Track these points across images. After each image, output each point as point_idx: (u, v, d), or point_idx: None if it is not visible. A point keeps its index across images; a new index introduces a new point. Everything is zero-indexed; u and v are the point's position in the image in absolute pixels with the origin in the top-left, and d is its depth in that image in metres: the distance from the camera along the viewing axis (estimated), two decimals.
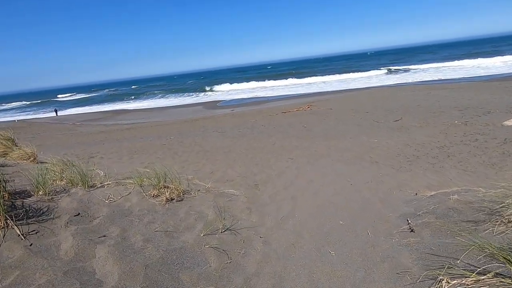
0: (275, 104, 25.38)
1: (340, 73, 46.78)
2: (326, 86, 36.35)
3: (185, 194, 4.06)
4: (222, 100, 35.55)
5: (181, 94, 47.56)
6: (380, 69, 46.97)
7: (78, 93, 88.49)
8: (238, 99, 34.79)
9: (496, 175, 5.36)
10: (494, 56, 42.52)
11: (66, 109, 45.03)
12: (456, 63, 41.98)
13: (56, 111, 38.84)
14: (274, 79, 47.66)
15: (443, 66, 41.00)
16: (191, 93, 46.41)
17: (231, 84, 49.30)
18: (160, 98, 46.80)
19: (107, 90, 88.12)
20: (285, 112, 17.31)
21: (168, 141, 10.85)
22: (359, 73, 44.75)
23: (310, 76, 48.09)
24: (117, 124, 25.42)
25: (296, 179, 5.62)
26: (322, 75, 46.86)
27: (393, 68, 46.88)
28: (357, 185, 5.11)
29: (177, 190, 3.91)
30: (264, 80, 48.37)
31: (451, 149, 7.09)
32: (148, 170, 4.29)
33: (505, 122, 8.84)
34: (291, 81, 44.58)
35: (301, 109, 17.83)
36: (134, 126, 20.37)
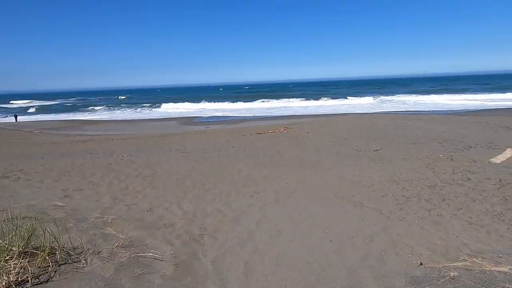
0: (251, 124, 24.13)
1: (316, 98, 46.95)
2: (303, 109, 35.87)
3: (65, 263, 2.41)
4: (198, 117, 33.91)
5: (154, 106, 45.35)
6: (357, 97, 47.76)
7: (42, 99, 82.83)
8: (215, 116, 33.31)
9: (509, 231, 4.15)
10: (460, 94, 44.64)
11: (36, 114, 41.27)
12: (425, 97, 43.48)
13: (16, 116, 35.21)
14: (252, 100, 46.91)
15: (417, 99, 42.22)
16: (167, 107, 44.36)
17: (208, 102, 47.89)
18: (133, 109, 44.26)
19: (76, 98, 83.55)
20: (260, 133, 15.99)
21: (117, 159, 9.01)
22: (336, 100, 45.10)
23: (289, 98, 47.91)
24: (80, 134, 22.91)
25: (258, 227, 4.09)
26: (300, 99, 46.72)
27: (369, 96, 47.81)
28: (338, 241, 3.67)
29: (44, 260, 2.26)
30: (241, 100, 47.50)
31: (444, 189, 5.92)
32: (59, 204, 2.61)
33: (491, 160, 7.98)
34: (269, 102, 43.95)
35: (277, 131, 16.60)
36: (94, 138, 18.11)
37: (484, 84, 65.19)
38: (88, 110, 44.88)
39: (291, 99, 46.05)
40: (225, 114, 34.54)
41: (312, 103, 41.45)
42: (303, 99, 46.52)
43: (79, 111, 44.83)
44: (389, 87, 69.34)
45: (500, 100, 35.36)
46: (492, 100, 35.40)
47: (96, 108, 47.08)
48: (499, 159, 8.01)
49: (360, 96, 48.05)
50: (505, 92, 42.30)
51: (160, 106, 44.68)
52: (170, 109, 41.28)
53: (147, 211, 4.71)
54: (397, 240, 3.81)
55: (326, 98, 46.23)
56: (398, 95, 47.14)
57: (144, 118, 34.99)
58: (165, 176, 6.95)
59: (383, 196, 5.65)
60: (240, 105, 42.39)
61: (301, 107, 38.35)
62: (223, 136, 15.76)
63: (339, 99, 44.86)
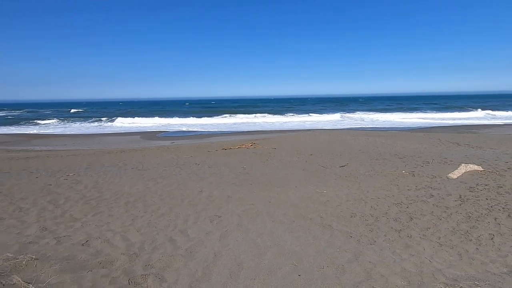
0: (218, 139, 23.48)
1: (282, 114, 47.80)
2: (269, 125, 36.05)
3: None
4: (164, 131, 32.43)
5: (110, 120, 42.68)
6: (321, 113, 49.38)
7: None
8: (181, 131, 32.08)
9: (478, 252, 3.99)
10: (412, 112, 48.20)
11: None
12: (382, 114, 46.23)
13: None
14: (218, 115, 46.36)
15: (374, 116, 44.60)
16: (123, 122, 41.91)
17: (171, 117, 46.33)
18: (88, 123, 41.21)
19: (25, 110, 76.51)
20: (225, 149, 15.41)
21: (60, 179, 7.85)
22: (301, 116, 46.19)
23: (255, 113, 48.15)
24: (24, 150, 20.44)
25: (216, 261, 3.49)
26: (266, 114, 47.10)
27: (337, 113, 49.64)
28: (307, 275, 3.19)
29: None
30: (208, 115, 46.75)
31: (410, 207, 5.79)
32: None
33: (449, 175, 8.20)
34: (236, 118, 43.69)
35: (243, 146, 16.15)
36: (41, 155, 16.18)
37: (433, 104, 71.39)
38: (37, 123, 40.92)
39: (257, 115, 46.24)
40: (192, 129, 33.47)
41: (278, 119, 41.94)
42: (270, 115, 47.00)
43: (27, 124, 40.65)
44: (350, 105, 73.04)
45: (447, 118, 38.63)
46: (440, 119, 38.56)
47: (46, 121, 43.06)
48: (455, 174, 8.26)
49: (324, 113, 49.80)
50: (451, 111, 46.53)
51: (114, 120, 41.82)
52: (126, 123, 38.76)
53: (82, 244, 3.87)
54: (370, 269, 3.43)
55: (291, 114, 47.22)
56: (357, 112, 49.55)
57: (103, 132, 32.65)
58: (113, 199, 6.06)
59: (351, 216, 5.34)
60: (206, 120, 41.43)
61: (267, 122, 38.46)
62: (187, 152, 14.93)
63: (304, 115, 46.05)
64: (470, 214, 5.34)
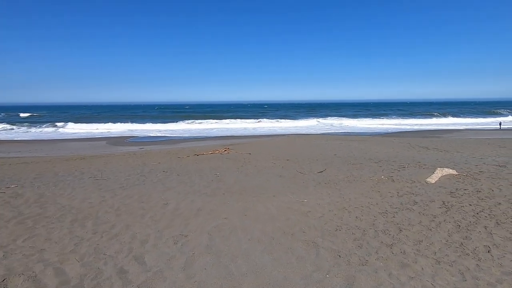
0: (190, 144, 22.32)
1: (257, 119, 47.36)
2: (243, 130, 35.34)
3: None
4: (133, 136, 30.50)
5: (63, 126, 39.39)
6: (294, 119, 49.64)
7: None
8: (152, 136, 30.34)
9: (480, 269, 3.53)
10: (380, 118, 50.00)
11: None
12: (351, 120, 47.46)
13: None
14: (192, 120, 44.89)
15: (344, 121, 45.58)
16: (74, 127, 38.82)
17: (148, 122, 44.13)
18: (43, 128, 37.71)
19: None
20: (198, 155, 14.44)
21: None
22: (276, 121, 46.09)
23: (230, 118, 47.29)
24: None
25: None
26: (241, 119, 46.32)
27: (305, 119, 50.11)
28: None
29: None
30: (181, 120, 45.13)
31: (396, 216, 5.33)
32: None
33: (427, 180, 7.99)
34: (210, 123, 42.48)
35: (217, 152, 15.28)
36: None
37: (398, 110, 75.00)
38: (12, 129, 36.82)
39: (231, 120, 45.36)
40: (163, 134, 31.83)
41: (252, 125, 41.33)
42: (243, 120, 46.37)
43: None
44: (322, 111, 74.54)
45: (411, 124, 40.37)
46: (406, 124, 40.22)
47: None
48: (433, 178, 8.06)
49: (298, 118, 50.16)
50: (415, 118, 48.93)
51: (75, 124, 38.39)
52: (87, 129, 35.60)
53: (2, 281, 2.86)
54: None
55: (266, 119, 46.87)
56: (329, 118, 50.42)
57: (63, 137, 30.00)
58: (57, 217, 4.98)
59: (337, 229, 4.74)
60: (178, 125, 39.74)
61: (240, 128, 37.68)
62: (155, 158, 13.76)
63: (279, 120, 45.97)
64: (459, 223, 4.97)
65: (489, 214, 5.28)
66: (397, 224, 4.99)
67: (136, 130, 34.67)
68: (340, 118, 49.18)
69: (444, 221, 5.09)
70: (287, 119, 48.18)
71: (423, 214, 5.41)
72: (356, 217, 5.29)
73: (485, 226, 4.77)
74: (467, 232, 4.63)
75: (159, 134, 31.31)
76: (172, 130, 34.57)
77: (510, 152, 13.24)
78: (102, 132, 33.20)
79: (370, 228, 4.80)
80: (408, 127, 35.78)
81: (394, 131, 32.36)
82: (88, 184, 7.80)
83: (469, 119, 44.92)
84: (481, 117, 47.80)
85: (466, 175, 8.49)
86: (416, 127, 35.74)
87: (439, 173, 8.51)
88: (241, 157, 13.35)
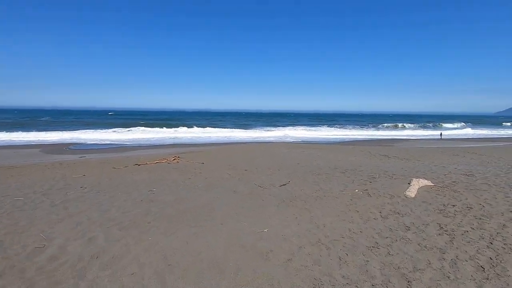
0: (141, 152, 19.25)
1: (213, 126, 44.81)
2: (192, 139, 32.65)
3: None
4: (78, 144, 26.08)
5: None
6: (248, 129, 48.25)
7: None
8: (101, 143, 26.16)
9: None
10: (335, 127, 51.06)
11: None
12: (308, 128, 47.61)
13: None
14: (148, 127, 40.83)
15: (299, 131, 45.40)
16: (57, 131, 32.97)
17: (99, 129, 38.97)
18: None
19: None
20: (139, 165, 11.81)
21: None
22: (230, 130, 44.17)
23: (185, 126, 44.17)
24: None
25: None
26: (194, 127, 43.18)
27: (260, 128, 48.99)
28: None
29: None
30: (137, 126, 40.88)
31: (393, 253, 3.67)
32: None
33: (406, 193, 6.66)
34: (163, 133, 38.87)
35: (164, 161, 12.77)
36: None
37: (350, 120, 78.40)
38: None
39: (185, 128, 42.06)
40: (111, 141, 27.80)
41: (212, 133, 38.61)
42: (199, 127, 43.63)
43: None
44: (280, 120, 74.64)
45: (363, 134, 41.49)
46: (359, 134, 41.19)
47: None
48: (412, 192, 6.75)
49: (256, 127, 48.90)
50: (367, 128, 50.82)
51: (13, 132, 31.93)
52: (13, 137, 29.22)
53: None
54: None
55: (222, 128, 44.52)
56: (288, 128, 50.01)
57: None
58: None
59: (315, 285, 2.88)
60: (134, 133, 35.43)
61: (196, 136, 34.57)
62: (83, 170, 10.84)
63: (233, 130, 43.90)
64: (478, 261, 3.44)
65: (504, 244, 3.88)
66: (399, 268, 3.30)
67: (80, 137, 29.89)
68: (295, 128, 49.09)
69: (458, 258, 3.54)
70: (244, 128, 46.32)
71: (426, 248, 3.83)
72: (340, 259, 3.49)
73: None
74: (497, 278, 3.10)
75: (108, 142, 27.29)
76: (126, 138, 30.47)
77: (465, 160, 12.95)
78: (41, 140, 27.87)
79: (365, 281, 3.02)
80: (361, 137, 36.45)
81: (348, 140, 32.50)
82: None
83: (412, 131, 47.95)
84: (422, 129, 51.49)
85: (443, 187, 7.38)
86: (367, 137, 36.58)
87: (416, 184, 7.28)
88: (192, 167, 11.10)
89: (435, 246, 3.87)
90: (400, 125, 57.03)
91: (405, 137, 34.98)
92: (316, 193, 6.74)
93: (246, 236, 4.10)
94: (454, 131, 46.02)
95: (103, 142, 27.02)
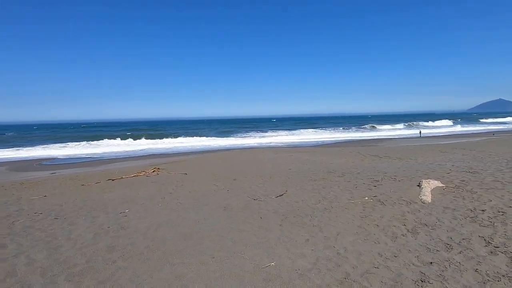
0: (115, 165, 17.44)
1: (193, 136, 42.67)
2: (179, 148, 31.03)
3: None
4: (54, 158, 23.63)
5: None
6: (230, 136, 47.02)
7: None
8: (76, 157, 23.72)
9: None
10: (318, 129, 50.90)
11: None
12: (292, 132, 47.06)
13: None
14: (122, 138, 38.33)
15: (287, 137, 44.73)
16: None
17: (74, 141, 36.03)
18: None
19: None
20: (113, 180, 10.29)
21: None
22: (212, 138, 42.68)
23: (166, 138, 42.10)
24: None
25: None
26: (174, 137, 40.62)
27: (242, 134, 47.83)
28: None
29: None
30: (115, 138, 38.35)
31: None
32: None
33: (422, 198, 5.77)
34: (141, 143, 36.68)
35: (142, 173, 11.30)
36: None
37: (331, 122, 78.82)
38: None
39: (169, 139, 39.74)
40: (86, 155, 25.47)
41: (185, 143, 36.43)
42: (180, 136, 41.71)
43: None
44: (262, 125, 73.89)
45: (343, 137, 41.41)
46: (341, 137, 41.06)
47: None
48: (427, 195, 5.87)
49: (239, 133, 47.71)
50: (348, 129, 51.07)
51: None
52: None
53: None
54: None
55: (204, 136, 42.67)
56: (269, 132, 49.17)
57: None
58: None
59: None
60: (112, 147, 32.85)
61: (177, 146, 32.60)
62: (46, 189, 9.19)
63: (215, 138, 42.27)
64: None
65: None
66: None
67: (52, 153, 27.17)
68: (278, 132, 48.38)
69: None
70: (225, 135, 44.51)
71: (490, 277, 2.84)
72: None
73: None
74: None
75: (83, 155, 24.96)
76: (102, 151, 27.98)
77: (457, 156, 12.48)
78: (7, 157, 24.93)
79: None
80: (343, 138, 36.21)
81: (332, 142, 32.04)
82: None
83: (392, 131, 48.69)
84: (406, 129, 52.54)
85: (455, 187, 6.59)
86: (351, 138, 36.42)
87: (427, 186, 6.42)
88: (174, 178, 9.75)
89: (499, 273, 2.89)
90: (377, 126, 57.99)
91: (386, 137, 35.12)
92: (320, 204, 5.68)
93: (248, 277, 2.93)
94: (435, 129, 47.08)
95: (77, 156, 24.73)
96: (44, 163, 21.38)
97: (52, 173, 16.29)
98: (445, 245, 3.58)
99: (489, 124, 55.90)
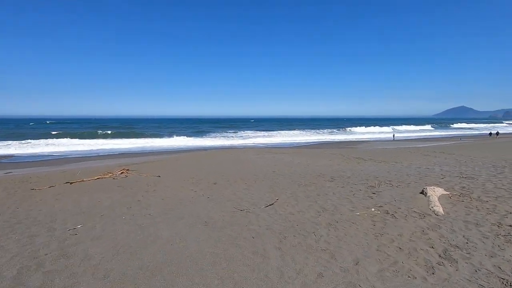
0: (81, 164, 15.34)
1: (170, 135, 40.29)
2: (152, 147, 28.91)
3: None
4: (16, 155, 20.66)
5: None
6: (217, 133, 45.42)
7: None
8: (38, 156, 20.84)
9: None
10: (296, 131, 50.71)
11: None
12: (270, 133, 46.36)
13: None
14: (93, 137, 35.12)
15: (267, 138, 43.88)
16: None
17: (41, 139, 32.26)
18: None
19: None
20: (71, 183, 8.62)
21: None
22: (188, 138, 40.76)
23: (144, 137, 39.45)
24: None
25: None
26: (149, 137, 37.48)
27: (215, 134, 46.30)
28: None
29: None
30: (79, 137, 35.09)
31: None
32: None
33: (435, 209, 5.00)
34: (114, 140, 33.89)
35: (108, 175, 9.69)
36: None
37: (307, 124, 79.15)
38: None
39: (134, 138, 35.91)
40: (50, 153, 22.64)
41: (159, 142, 33.93)
42: (153, 134, 39.21)
43: None
44: (241, 125, 72.47)
45: (321, 139, 41.44)
46: (319, 139, 41.03)
47: None
48: (437, 206, 5.12)
49: (211, 132, 46.09)
50: (317, 131, 51.32)
51: None
52: None
53: None
54: None
55: (181, 135, 40.33)
56: (248, 132, 48.05)
57: None
58: None
59: None
60: (80, 146, 29.53)
61: (150, 144, 30.03)
62: None
63: (192, 137, 40.26)
64: None
65: None
66: None
67: (12, 151, 23.87)
68: (259, 132, 47.47)
69: None
70: (201, 135, 42.47)
71: None
72: None
73: None
74: None
75: (47, 153, 22.13)
76: (70, 150, 24.98)
77: (441, 160, 12.19)
78: None
79: None
80: (321, 140, 36.08)
81: (312, 143, 31.65)
82: None
83: (368, 135, 49.68)
84: (380, 133, 53.91)
85: (461, 195, 5.94)
86: (328, 140, 36.39)
87: (434, 195, 5.70)
88: (144, 182, 8.32)
89: None
90: (349, 128, 59.22)
91: (362, 140, 35.48)
92: (321, 217, 4.69)
93: None
94: (407, 133, 48.73)
95: (39, 154, 21.94)
96: (3, 160, 18.60)
97: (7, 173, 13.96)
98: (500, 281, 2.71)
99: (458, 130, 59.12)
